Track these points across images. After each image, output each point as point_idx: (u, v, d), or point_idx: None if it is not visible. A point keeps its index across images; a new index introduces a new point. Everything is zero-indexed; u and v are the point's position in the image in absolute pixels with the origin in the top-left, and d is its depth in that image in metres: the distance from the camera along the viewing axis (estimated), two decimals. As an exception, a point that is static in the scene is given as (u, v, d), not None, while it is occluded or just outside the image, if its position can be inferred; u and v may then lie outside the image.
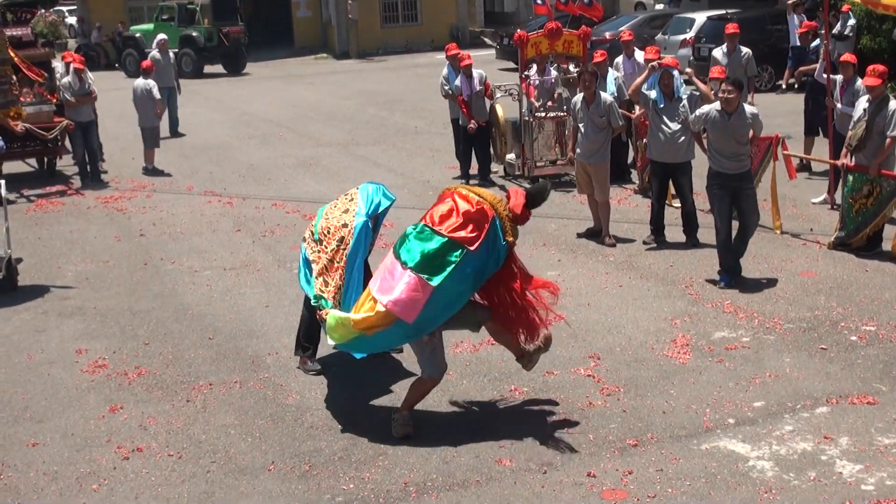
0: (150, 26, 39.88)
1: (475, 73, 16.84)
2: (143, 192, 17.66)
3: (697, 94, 13.25)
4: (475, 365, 9.47)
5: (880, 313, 10.27)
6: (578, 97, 13.48)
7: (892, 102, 12.11)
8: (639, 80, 13.88)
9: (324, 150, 21.21)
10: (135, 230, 15.01)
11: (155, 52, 23.20)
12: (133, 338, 10.60)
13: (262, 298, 11.67)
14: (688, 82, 14.27)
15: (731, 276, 11.32)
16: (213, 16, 39.04)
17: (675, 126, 12.76)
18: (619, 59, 18.00)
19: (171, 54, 23.61)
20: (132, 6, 47.70)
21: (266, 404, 8.85)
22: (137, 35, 39.93)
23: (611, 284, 11.46)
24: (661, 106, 12.86)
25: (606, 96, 13.43)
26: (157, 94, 19.39)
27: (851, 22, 23.38)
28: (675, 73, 13.18)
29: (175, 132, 23.43)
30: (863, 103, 12.28)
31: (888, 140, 11.93)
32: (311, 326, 9.56)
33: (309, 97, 29.84)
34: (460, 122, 17.09)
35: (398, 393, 8.89)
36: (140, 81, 19.63)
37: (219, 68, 39.05)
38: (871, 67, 12.15)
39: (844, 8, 23.48)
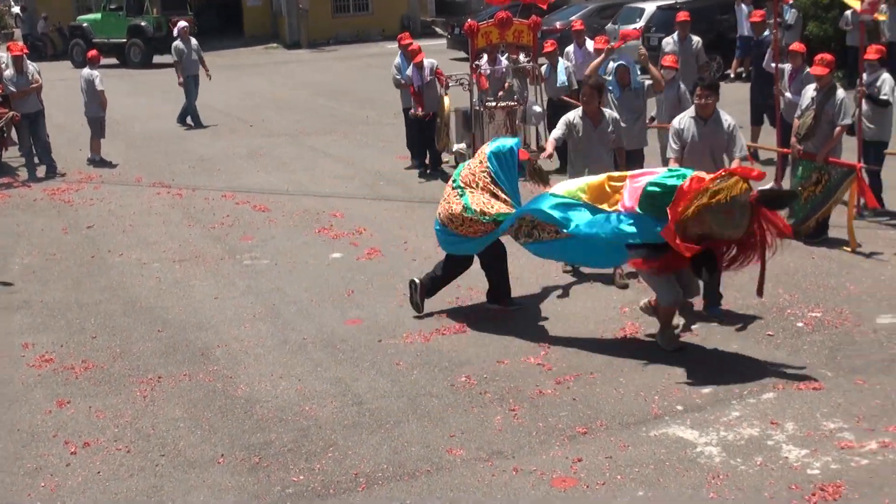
0: (98, 16, 39.48)
1: (426, 62, 16.83)
2: (91, 184, 17.51)
3: (650, 82, 13.34)
4: (426, 355, 9.49)
5: (826, 300, 10.41)
6: (574, 115, 11.36)
7: (839, 91, 12.26)
8: (596, 61, 14.07)
9: (274, 140, 21.13)
10: (82, 222, 14.88)
11: (178, 42, 22.73)
12: (80, 331, 10.53)
13: (211, 290, 11.62)
14: (643, 70, 14.34)
15: (716, 304, 10.29)
16: (162, 5, 38.70)
17: (629, 115, 12.85)
18: (570, 49, 18.12)
19: (194, 42, 23.28)
20: (80, -5, 47.20)
21: (215, 397, 8.82)
22: (84, 25, 39.49)
23: (561, 274, 11.51)
24: (617, 95, 12.94)
25: (609, 112, 11.60)
26: (100, 85, 19.17)
27: (793, 11, 23.62)
28: (631, 62, 13.27)
29: (183, 121, 23.20)
30: (810, 92, 12.42)
31: (837, 129, 12.08)
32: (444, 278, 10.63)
33: (259, 87, 29.69)
34: (411, 112, 17.09)
35: (349, 384, 8.91)
36: (86, 71, 19.44)
37: (168, 58, 38.66)
38: (818, 57, 12.29)
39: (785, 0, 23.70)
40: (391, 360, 9.41)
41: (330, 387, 8.92)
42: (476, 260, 10.63)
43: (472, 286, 11.22)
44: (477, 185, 10.14)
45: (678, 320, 9.62)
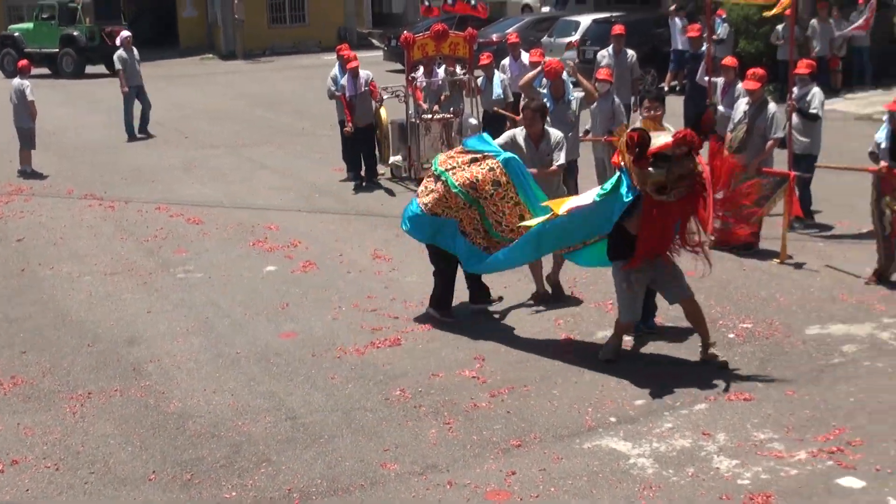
0: (30, 25, 38.93)
1: (362, 73, 16.79)
2: (21, 196, 17.26)
3: (583, 93, 13.43)
4: (361, 368, 9.46)
5: (757, 311, 10.53)
6: (517, 133, 11.20)
7: (771, 105, 12.46)
8: (530, 74, 14.13)
9: (209, 151, 20.97)
10: (12, 235, 14.66)
11: (121, 52, 22.44)
12: (9, 346, 10.37)
13: (143, 304, 11.50)
14: (575, 84, 14.45)
15: (649, 318, 10.12)
16: (95, 15, 38.24)
17: (562, 128, 12.91)
18: (506, 62, 18.20)
19: (136, 51, 23.01)
20: (11, 4, 46.47)
21: (147, 413, 8.72)
22: (16, 34, 38.94)
23: (496, 287, 11.53)
24: (551, 109, 13.00)
25: (556, 132, 11.28)
26: (30, 95, 18.93)
27: (725, 26, 23.96)
28: (565, 75, 13.34)
29: (145, 131, 22.87)
30: (742, 105, 12.60)
31: (770, 142, 12.26)
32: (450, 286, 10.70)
33: (195, 98, 29.46)
34: (346, 130, 17.04)
35: (283, 399, 8.86)
36: (16, 81, 19.20)
37: (101, 68, 38.29)
38: (750, 71, 12.47)
39: (719, 13, 24.03)
40: (325, 373, 9.38)
41: (263, 401, 8.87)
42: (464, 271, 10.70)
43: (405, 300, 11.22)
44: (456, 165, 10.30)
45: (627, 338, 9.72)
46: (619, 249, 9.25)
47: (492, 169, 10.18)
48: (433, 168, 10.59)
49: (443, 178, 10.27)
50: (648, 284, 9.41)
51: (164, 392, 9.12)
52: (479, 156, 10.36)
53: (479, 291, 10.87)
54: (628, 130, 8.88)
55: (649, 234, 8.94)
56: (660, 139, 8.77)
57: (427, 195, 10.34)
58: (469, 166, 10.26)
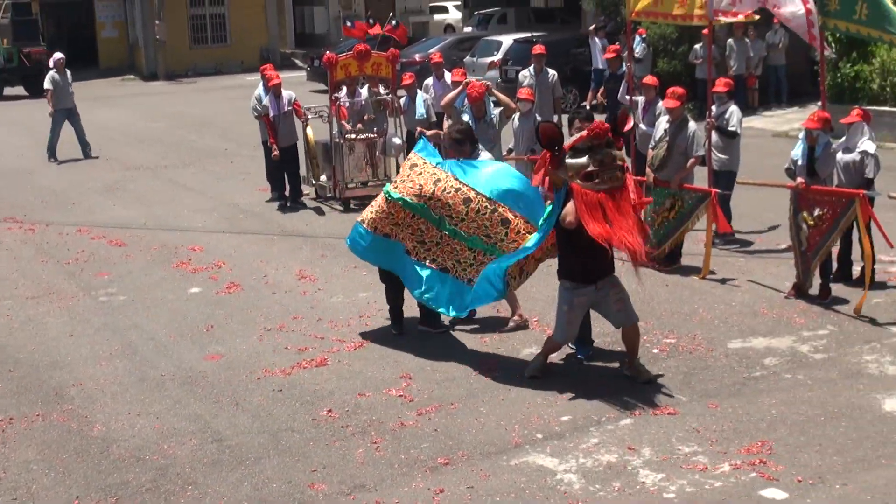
0: (-55, 45, 38.30)
1: (285, 93, 16.75)
2: (-62, 220, 16.96)
3: (500, 109, 13.50)
4: (287, 389, 9.41)
5: (680, 326, 10.66)
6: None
7: (691, 124, 12.63)
8: (452, 94, 14.18)
9: (131, 173, 20.75)
10: (-71, 260, 14.39)
11: (53, 73, 22.11)
12: (-73, 373, 10.16)
13: (65, 328, 11.34)
14: (495, 103, 14.53)
15: (587, 345, 10.08)
16: (13, 36, 37.72)
17: (485, 147, 12.96)
18: (429, 81, 18.24)
19: (69, 74, 22.67)
20: (-73, 24, 45.73)
21: (70, 437, 8.59)
22: (-69, 55, 38.27)
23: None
24: (473, 128, 13.04)
25: (487, 154, 11.04)
26: None
27: (643, 45, 24.30)
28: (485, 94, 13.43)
29: (87, 154, 22.54)
30: (663, 124, 12.76)
31: (691, 160, 12.44)
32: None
33: (116, 120, 29.14)
34: (267, 144, 16.98)
35: (209, 421, 8.78)
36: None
37: (20, 90, 37.74)
38: (670, 90, 12.65)
39: (640, 32, 24.35)
40: (252, 395, 9.31)
41: (189, 424, 8.78)
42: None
43: (331, 320, 11.19)
44: (402, 180, 10.19)
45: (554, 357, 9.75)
46: (567, 264, 9.27)
47: (457, 189, 9.91)
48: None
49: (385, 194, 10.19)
50: (593, 307, 9.45)
51: (87, 416, 8.99)
52: (426, 165, 10.18)
53: (430, 313, 10.72)
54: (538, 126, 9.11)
55: (592, 227, 8.82)
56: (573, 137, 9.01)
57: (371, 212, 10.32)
58: (416, 176, 10.12)
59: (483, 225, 9.81)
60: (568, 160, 8.86)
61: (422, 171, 10.11)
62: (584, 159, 8.80)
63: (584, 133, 8.88)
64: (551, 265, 11.31)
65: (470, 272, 9.89)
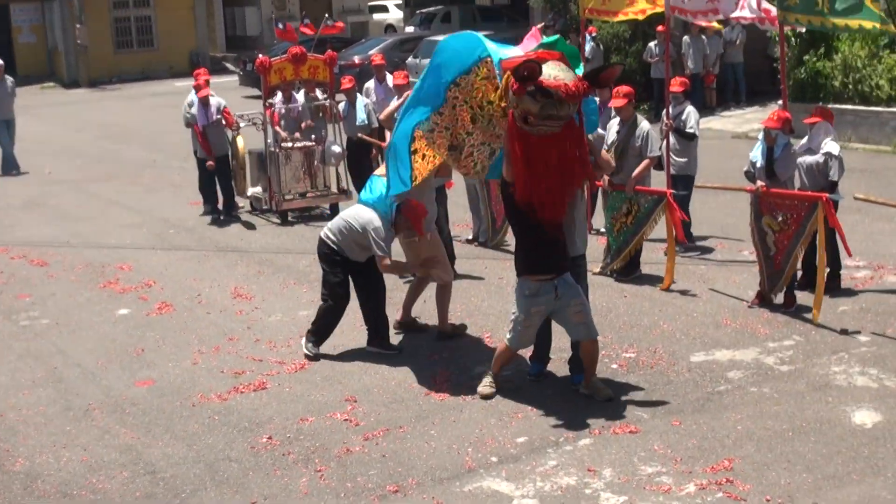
0: None
1: (213, 101, 16.63)
2: None
3: None
4: (224, 415, 9.33)
5: (640, 339, 10.71)
6: None
7: (643, 123, 12.67)
8: (393, 105, 13.98)
9: (53, 188, 20.55)
10: None
11: None
12: None
13: (-17, 355, 11.20)
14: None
15: (542, 363, 10.08)
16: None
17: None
18: (370, 85, 18.15)
19: (10, 82, 22.30)
20: None
21: (-10, 473, 8.47)
22: None
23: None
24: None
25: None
26: None
27: (591, 44, 24.48)
28: None
29: (8, 171, 22.19)
30: (615, 126, 12.77)
31: (646, 161, 12.46)
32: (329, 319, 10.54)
33: (35, 130, 28.81)
34: (198, 154, 16.87)
35: (140, 452, 8.68)
36: None
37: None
38: (615, 89, 12.58)
39: (590, 30, 24.51)
40: (186, 423, 9.22)
41: (119, 455, 8.68)
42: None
43: (270, 340, 11.13)
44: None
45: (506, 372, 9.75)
46: (523, 255, 9.21)
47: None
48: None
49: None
50: (551, 317, 9.44)
51: (8, 450, 8.86)
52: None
53: (381, 332, 10.71)
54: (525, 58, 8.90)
55: (524, 177, 8.84)
56: (556, 75, 8.75)
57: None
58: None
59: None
60: (525, 96, 8.69)
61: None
62: (535, 104, 8.67)
63: (564, 82, 8.71)
64: (502, 278, 11.36)
65: None
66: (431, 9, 40.67)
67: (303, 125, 16.84)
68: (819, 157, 11.41)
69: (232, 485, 8.09)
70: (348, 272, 10.52)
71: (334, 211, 16.96)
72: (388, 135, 14.71)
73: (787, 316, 11.20)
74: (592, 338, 9.34)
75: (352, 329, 11.21)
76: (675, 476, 7.85)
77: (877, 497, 7.48)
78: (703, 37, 24.42)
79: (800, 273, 11.71)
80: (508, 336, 9.42)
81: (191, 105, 16.85)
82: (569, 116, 8.84)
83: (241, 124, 17.19)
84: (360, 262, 10.44)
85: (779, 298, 11.48)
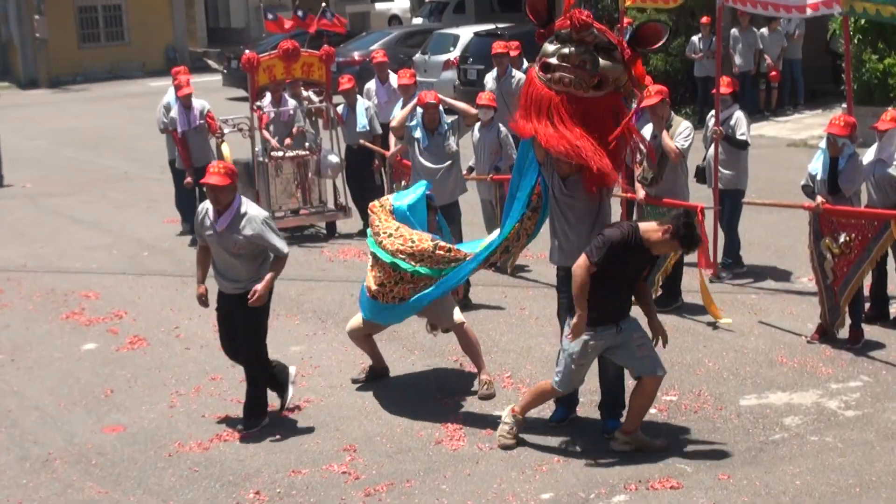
0: None
1: (196, 103, 16.66)
2: None
3: (453, 118, 13.48)
4: (205, 467, 9.35)
5: (681, 380, 10.69)
6: None
7: (682, 124, 12.47)
8: (405, 111, 13.99)
9: (6, 203, 20.64)
10: None
11: None
12: None
13: (-71, 396, 11.24)
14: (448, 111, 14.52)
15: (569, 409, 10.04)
16: None
17: (440, 164, 12.99)
18: (371, 85, 18.20)
19: None
20: None
21: (-64, 532, 8.50)
22: None
23: (368, 360, 11.52)
24: (425, 144, 13.04)
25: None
26: None
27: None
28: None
29: None
30: (648, 133, 12.61)
31: (675, 153, 12.30)
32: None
33: (-12, 137, 29.04)
34: (176, 165, 16.88)
35: (112, 490, 8.71)
36: None
37: None
38: (647, 88, 12.40)
39: (626, 22, 24.48)
40: (161, 475, 9.25)
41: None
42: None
43: (259, 379, 11.15)
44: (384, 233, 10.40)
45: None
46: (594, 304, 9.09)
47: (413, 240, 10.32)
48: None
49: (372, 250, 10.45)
50: (607, 354, 9.30)
51: (-42, 503, 8.92)
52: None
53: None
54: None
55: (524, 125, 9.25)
56: None
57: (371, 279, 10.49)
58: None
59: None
60: (546, 42, 9.26)
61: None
62: (554, 46, 9.18)
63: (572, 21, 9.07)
64: (524, 308, 11.39)
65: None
66: (443, -3, 40.77)
67: (295, 131, 16.81)
68: (892, 170, 11.39)
69: (213, 547, 8.11)
70: None
71: (331, 231, 17.01)
72: (392, 142, 14.79)
73: (852, 353, 11.20)
74: (659, 374, 9.21)
75: (351, 367, 11.24)
76: (724, 539, 7.86)
77: (956, 564, 7.47)
78: (760, 30, 24.12)
79: (867, 304, 11.69)
80: (557, 378, 9.28)
81: (168, 108, 16.86)
82: (585, 63, 9.08)
83: (226, 130, 17.15)
84: None
85: (843, 333, 11.47)
